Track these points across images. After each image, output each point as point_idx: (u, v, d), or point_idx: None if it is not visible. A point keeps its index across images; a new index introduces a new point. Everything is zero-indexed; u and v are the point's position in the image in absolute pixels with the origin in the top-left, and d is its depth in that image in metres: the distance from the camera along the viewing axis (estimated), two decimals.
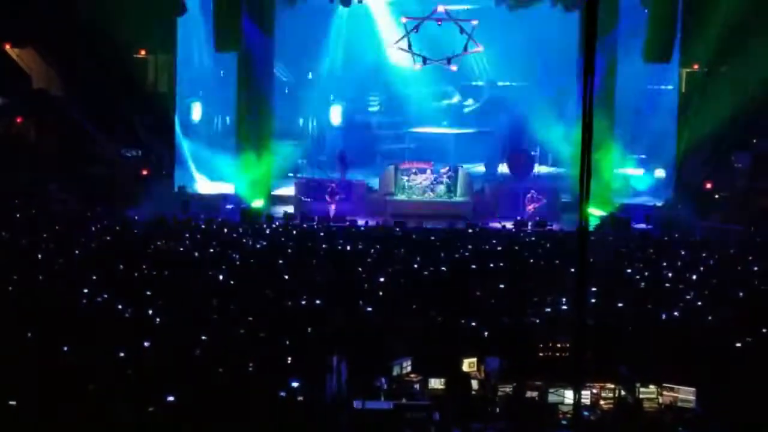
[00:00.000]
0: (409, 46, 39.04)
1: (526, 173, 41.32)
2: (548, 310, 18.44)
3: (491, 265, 23.89)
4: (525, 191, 37.82)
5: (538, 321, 17.53)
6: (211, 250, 25.48)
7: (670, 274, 23.09)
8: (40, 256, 23.24)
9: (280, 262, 23.66)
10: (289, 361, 14.43)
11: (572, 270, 21.01)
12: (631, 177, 40.63)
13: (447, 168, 39.96)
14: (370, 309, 18.07)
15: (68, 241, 25.87)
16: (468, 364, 14.41)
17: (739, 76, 35.80)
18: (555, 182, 39.25)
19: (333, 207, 36.89)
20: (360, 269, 22.69)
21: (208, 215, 34.81)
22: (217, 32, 36.97)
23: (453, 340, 15.85)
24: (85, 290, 18.80)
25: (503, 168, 42.84)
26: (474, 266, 23.71)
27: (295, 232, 31.54)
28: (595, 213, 35.02)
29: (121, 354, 14.20)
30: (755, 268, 24.62)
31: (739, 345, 15.96)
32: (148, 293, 18.91)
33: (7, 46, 37.65)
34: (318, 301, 18.65)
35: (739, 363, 14.89)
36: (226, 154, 39.52)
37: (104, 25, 34.11)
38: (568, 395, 12.91)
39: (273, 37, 39.12)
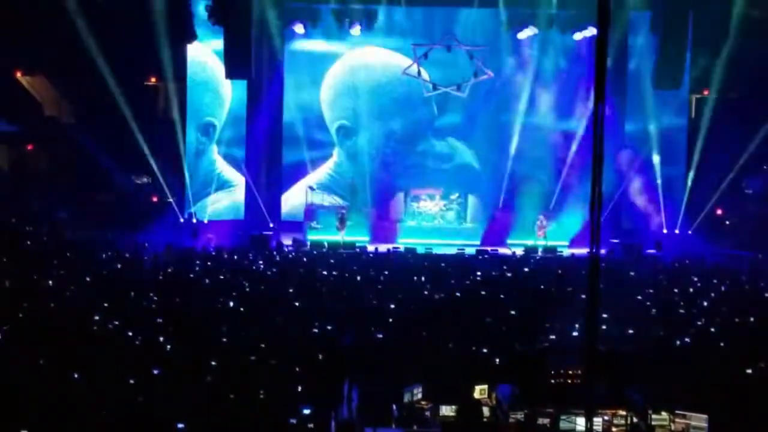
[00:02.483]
0: (419, 72, 39.17)
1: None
2: (557, 337, 18.39)
3: (502, 291, 23.85)
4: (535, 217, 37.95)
5: (549, 348, 17.47)
6: (222, 277, 25.49)
7: (681, 303, 23.01)
8: (50, 283, 23.28)
9: (290, 289, 23.65)
10: (299, 389, 14.40)
11: (583, 296, 20.99)
12: None
13: (457, 194, 40.03)
14: (380, 335, 18.05)
15: (79, 268, 25.92)
16: (479, 391, 14.37)
17: (750, 102, 35.90)
18: None
19: (342, 233, 36.97)
20: (370, 296, 22.67)
21: (218, 242, 34.90)
22: (228, 60, 37.13)
23: (464, 366, 15.80)
24: (96, 317, 18.80)
25: None
26: (484, 293, 23.68)
27: (305, 258, 31.58)
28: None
29: (131, 381, 14.19)
30: (767, 295, 24.57)
31: (750, 371, 15.91)
32: (159, 320, 18.91)
33: (18, 74, 37.91)
34: (329, 328, 18.63)
35: (751, 389, 14.82)
36: (237, 180, 39.63)
37: (115, 53, 34.34)
38: (580, 422, 12.85)
39: (283, 64, 39.33)
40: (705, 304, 22.66)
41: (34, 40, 35.88)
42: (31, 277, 23.97)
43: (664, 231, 38.36)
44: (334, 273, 26.78)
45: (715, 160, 37.08)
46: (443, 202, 40.07)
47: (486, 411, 13.88)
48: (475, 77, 39.25)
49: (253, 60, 37.43)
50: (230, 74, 37.71)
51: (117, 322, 18.37)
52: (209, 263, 28.55)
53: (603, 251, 33.23)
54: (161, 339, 17.23)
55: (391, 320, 19.69)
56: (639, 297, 23.54)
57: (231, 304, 21.12)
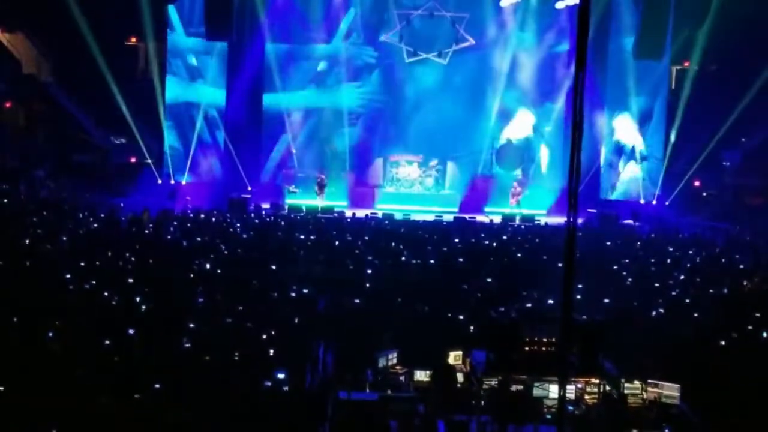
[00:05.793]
0: (401, 38, 39.07)
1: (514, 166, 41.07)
2: (533, 305, 18.46)
3: (478, 259, 23.90)
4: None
5: (524, 315, 17.53)
6: (199, 239, 25.42)
7: (657, 273, 23.10)
8: (27, 242, 23.16)
9: (268, 252, 23.62)
10: (274, 352, 14.41)
11: (559, 265, 21.07)
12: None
13: (436, 161, 40.00)
14: (357, 300, 18.07)
15: (55, 228, 25.78)
16: (454, 357, 14.45)
17: (729, 74, 36.00)
18: None
19: (321, 198, 36.93)
20: (347, 261, 22.68)
21: (196, 204, 34.79)
22: (208, 21, 36.86)
23: (439, 332, 15.86)
24: (72, 277, 18.71)
25: None
26: (461, 260, 23.73)
27: (283, 222, 31.53)
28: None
29: (107, 342, 14.15)
30: (741, 266, 24.72)
31: (723, 342, 16.02)
32: (135, 281, 18.85)
33: None
34: (305, 291, 18.64)
35: (723, 360, 14.94)
36: (216, 143, 39.42)
37: (95, 12, 34.07)
38: (553, 389, 12.94)
39: (264, 26, 39.04)
40: (681, 276, 22.76)
41: None
42: (7, 236, 23.83)
43: (642, 201, 38.50)
44: (311, 237, 26.77)
45: (693, 132, 37.17)
46: (422, 169, 40.05)
47: (460, 377, 13.96)
48: (457, 44, 39.19)
49: (235, 21, 37.19)
50: (211, 35, 37.44)
51: (93, 282, 18.31)
52: (187, 225, 28.47)
53: (580, 221, 33.32)
54: (137, 300, 17.19)
55: (367, 285, 19.72)
56: (615, 267, 23.64)
57: (208, 266, 21.09)
